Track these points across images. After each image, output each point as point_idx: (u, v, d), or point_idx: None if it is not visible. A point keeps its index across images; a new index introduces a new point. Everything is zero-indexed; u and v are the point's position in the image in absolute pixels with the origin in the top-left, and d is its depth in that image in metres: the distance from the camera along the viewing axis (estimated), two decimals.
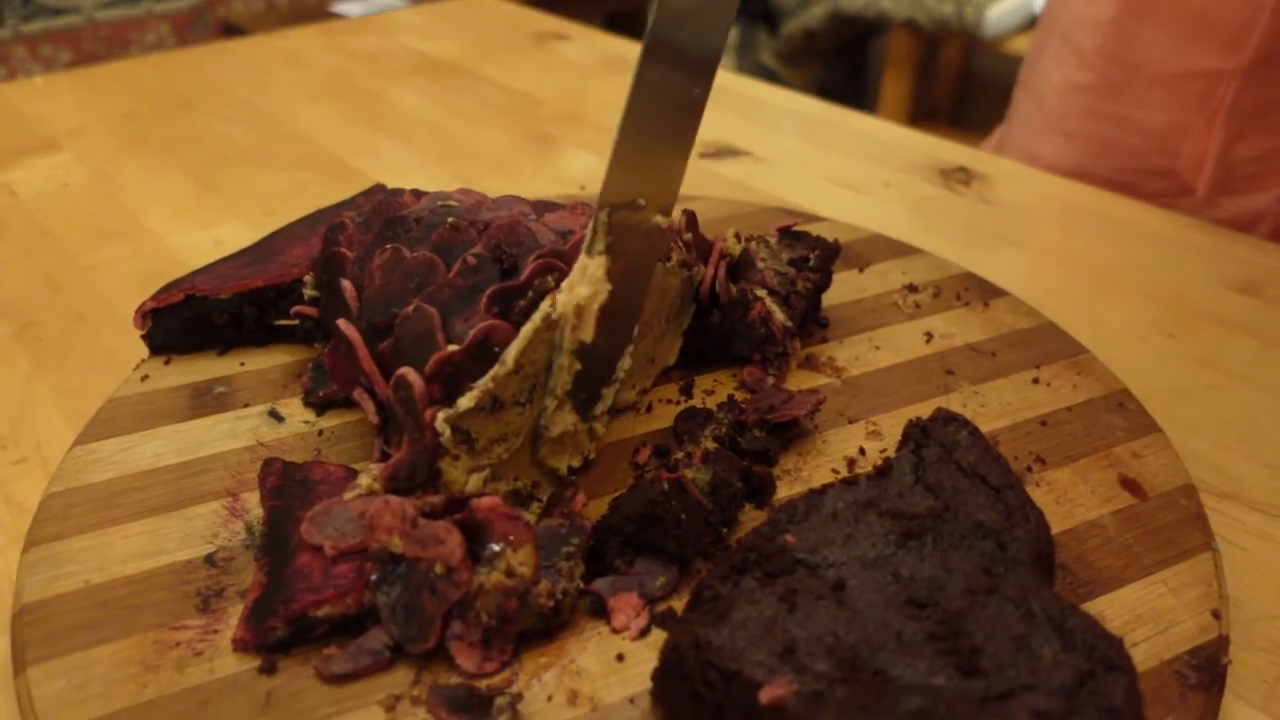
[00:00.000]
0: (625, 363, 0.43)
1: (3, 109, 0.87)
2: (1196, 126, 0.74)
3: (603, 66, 0.99)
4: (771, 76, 2.46)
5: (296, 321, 0.50)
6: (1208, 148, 0.74)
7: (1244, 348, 0.57)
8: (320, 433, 0.45)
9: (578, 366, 0.41)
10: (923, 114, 2.46)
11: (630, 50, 1.04)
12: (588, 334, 0.40)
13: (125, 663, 0.34)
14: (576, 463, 0.43)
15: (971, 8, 2.09)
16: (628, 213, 0.40)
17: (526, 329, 0.39)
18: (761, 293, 0.50)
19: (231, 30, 2.13)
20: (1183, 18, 0.73)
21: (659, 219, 0.42)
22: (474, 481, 0.38)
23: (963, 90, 2.55)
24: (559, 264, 0.41)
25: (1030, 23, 2.15)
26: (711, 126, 0.84)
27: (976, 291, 0.57)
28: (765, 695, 0.29)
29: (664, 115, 0.40)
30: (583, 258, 0.40)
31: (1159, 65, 0.75)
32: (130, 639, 0.35)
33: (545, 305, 0.39)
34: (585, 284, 0.40)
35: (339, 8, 2.19)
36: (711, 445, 0.43)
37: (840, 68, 2.56)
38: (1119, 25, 0.77)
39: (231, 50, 1.04)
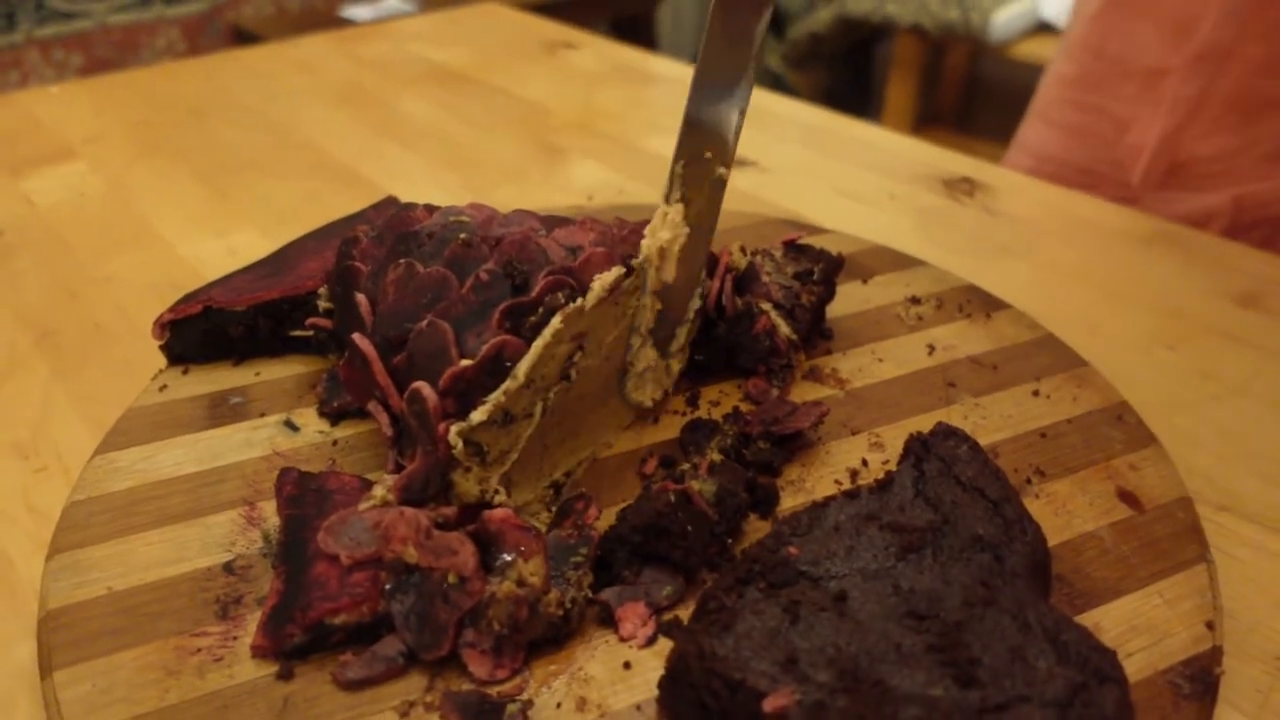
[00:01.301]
0: (695, 302, 0.48)
1: (20, 117, 0.88)
2: (1143, 116, 0.77)
3: (612, 75, 1.00)
4: (777, 80, 2.47)
5: (311, 333, 0.51)
6: (1148, 137, 0.77)
7: (1244, 360, 0.57)
8: (335, 443, 0.46)
9: (658, 305, 0.46)
10: (928, 118, 2.47)
11: (639, 59, 1.05)
12: (670, 273, 0.45)
13: (147, 668, 0.35)
14: (658, 395, 0.47)
15: (977, 13, 2.09)
16: (697, 165, 0.45)
17: (538, 344, 0.40)
18: (766, 306, 0.51)
19: (241, 35, 2.14)
20: (1157, 15, 0.76)
21: (721, 170, 0.46)
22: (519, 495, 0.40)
23: (968, 95, 2.55)
24: (569, 280, 0.42)
25: (1036, 28, 2.15)
26: None
27: (978, 303, 0.58)
28: (768, 704, 0.30)
29: (726, 71, 0.44)
30: (662, 206, 0.45)
31: (1133, 60, 0.78)
32: (152, 644, 0.36)
33: (556, 321, 0.40)
34: (666, 229, 0.45)
35: (348, 12, 2.20)
36: (717, 456, 0.44)
37: (846, 72, 2.57)
38: (1101, 19, 0.80)
39: (243, 58, 1.05)
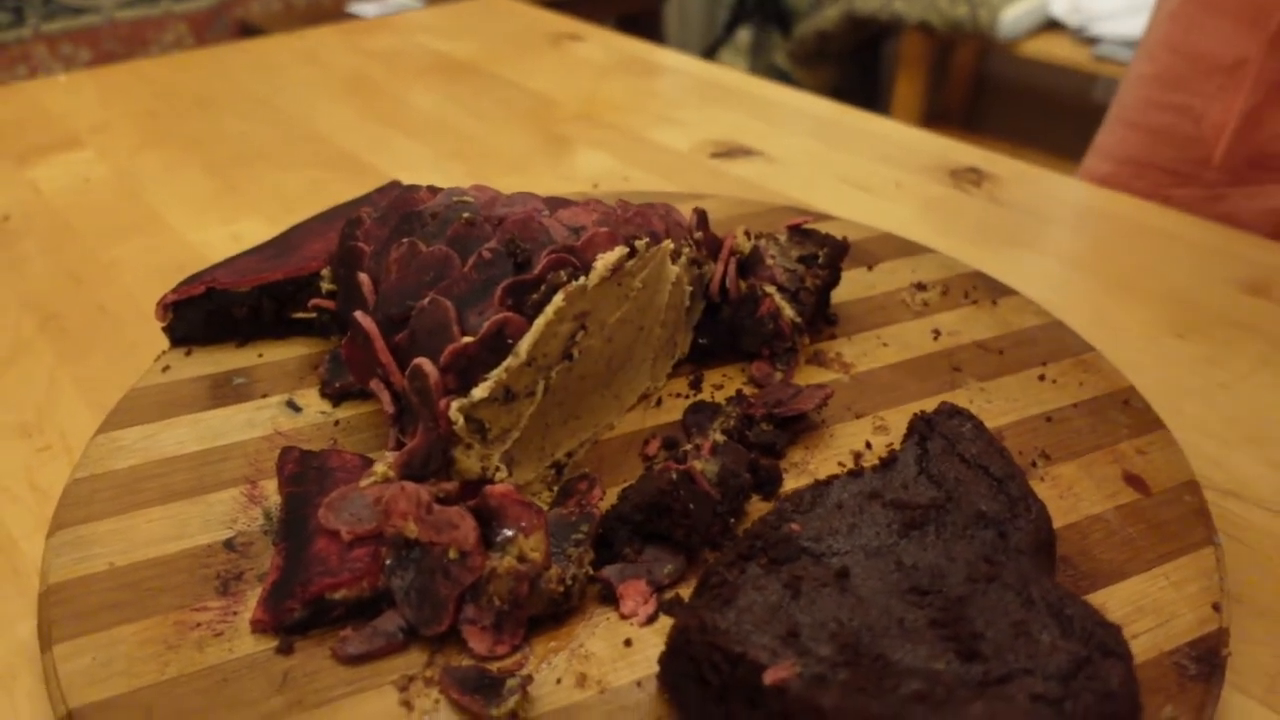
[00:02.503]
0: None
1: (28, 106, 0.88)
2: (1225, 98, 0.75)
3: (617, 67, 1.00)
4: (784, 78, 2.46)
5: (314, 314, 0.51)
6: (1229, 115, 0.74)
7: (1252, 347, 0.57)
8: (336, 423, 0.46)
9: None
10: (935, 116, 2.46)
11: (644, 51, 1.05)
12: None
13: (148, 642, 0.35)
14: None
15: (986, 10, 2.08)
16: None
17: (540, 321, 0.40)
18: (771, 289, 0.50)
19: (249, 30, 2.15)
20: (1233, 5, 0.74)
21: None
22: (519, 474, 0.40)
23: (976, 93, 2.54)
24: (571, 259, 0.42)
25: (1044, 25, 2.14)
26: (723, 126, 0.85)
27: (984, 290, 0.58)
28: (769, 677, 0.29)
29: None
30: None
31: (1213, 54, 0.76)
32: (152, 619, 0.36)
33: (558, 299, 0.40)
34: None
35: (355, 8, 2.20)
36: (720, 438, 0.43)
37: (853, 70, 2.56)
38: (1181, 15, 0.78)
39: (250, 50, 1.05)
